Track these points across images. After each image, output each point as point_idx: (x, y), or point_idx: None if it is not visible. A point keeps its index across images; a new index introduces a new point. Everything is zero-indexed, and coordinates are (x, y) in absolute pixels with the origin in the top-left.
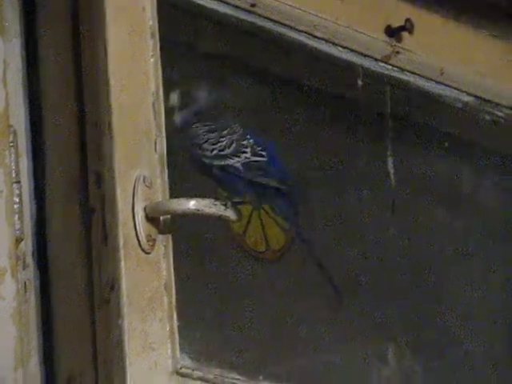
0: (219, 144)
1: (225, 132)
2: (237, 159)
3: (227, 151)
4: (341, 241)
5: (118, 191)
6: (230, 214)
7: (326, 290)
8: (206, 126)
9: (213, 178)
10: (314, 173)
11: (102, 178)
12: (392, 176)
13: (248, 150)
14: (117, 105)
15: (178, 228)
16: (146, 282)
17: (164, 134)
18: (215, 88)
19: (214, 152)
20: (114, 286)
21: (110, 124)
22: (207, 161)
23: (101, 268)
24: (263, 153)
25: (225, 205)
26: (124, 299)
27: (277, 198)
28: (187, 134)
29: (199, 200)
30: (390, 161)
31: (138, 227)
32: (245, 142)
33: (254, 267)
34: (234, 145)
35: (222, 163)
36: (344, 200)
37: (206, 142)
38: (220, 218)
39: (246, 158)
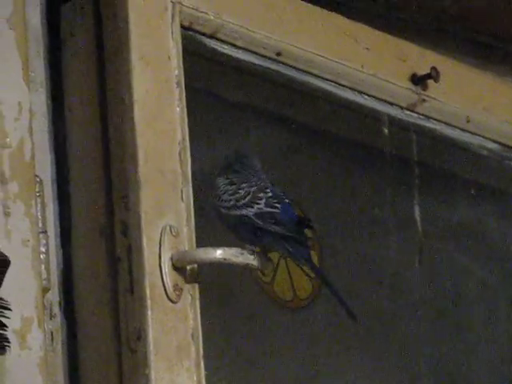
0: (236, 195)
1: (244, 185)
2: (250, 209)
3: (242, 202)
4: (366, 287)
5: (145, 240)
6: (256, 262)
7: (351, 335)
8: (228, 179)
9: (230, 228)
10: (340, 220)
11: (129, 227)
12: (419, 224)
13: (262, 201)
14: (143, 153)
15: (205, 277)
16: (172, 332)
17: (190, 183)
18: (240, 139)
19: (231, 203)
20: (140, 335)
21: (136, 172)
22: (225, 211)
23: (127, 317)
24: (277, 205)
25: (252, 253)
26: (151, 349)
27: (288, 245)
28: (210, 185)
29: (226, 249)
30: (416, 209)
31: (164, 276)
32: (261, 195)
33: (280, 315)
34: (249, 196)
35: (237, 213)
36: (371, 247)
37: (225, 193)
38: (247, 266)
39: (258, 208)
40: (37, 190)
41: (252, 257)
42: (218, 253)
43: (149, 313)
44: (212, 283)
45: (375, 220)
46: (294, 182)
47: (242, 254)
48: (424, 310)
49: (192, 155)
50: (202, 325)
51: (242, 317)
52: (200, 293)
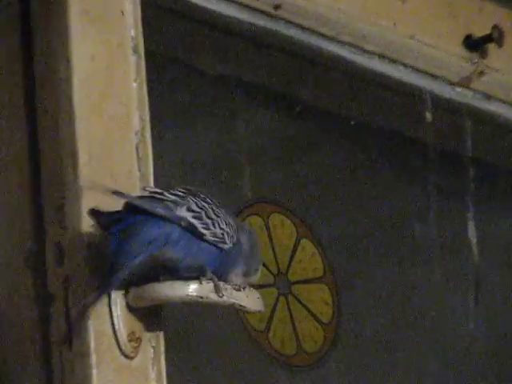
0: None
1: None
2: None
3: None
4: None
5: (88, 270)
6: (247, 302)
7: None
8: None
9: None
10: (363, 240)
11: (65, 252)
12: (474, 246)
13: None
14: (85, 149)
15: (173, 323)
16: None
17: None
18: (226, 126)
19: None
20: None
21: (75, 176)
22: None
23: (64, 381)
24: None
25: (238, 289)
26: None
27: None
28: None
29: (202, 283)
30: (470, 225)
31: (116, 322)
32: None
33: (279, 377)
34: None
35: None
36: (405, 280)
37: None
38: (232, 308)
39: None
40: None
41: (243, 294)
42: (192, 288)
43: (93, 373)
44: (183, 331)
45: (413, 242)
46: (296, 188)
47: (225, 289)
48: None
49: (157, 150)
50: None
51: (226, 378)
52: (166, 344)
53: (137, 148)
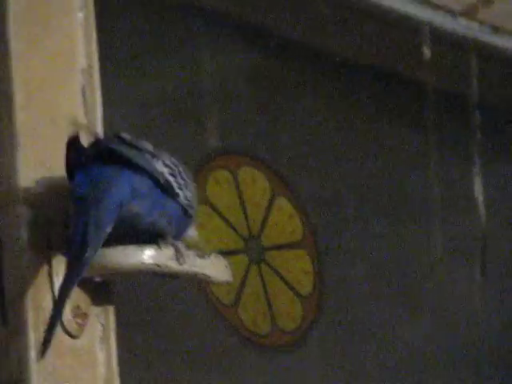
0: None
1: None
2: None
3: None
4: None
5: (24, 231)
6: (213, 271)
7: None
8: None
9: None
10: (356, 198)
11: None
12: (480, 204)
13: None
14: (22, 90)
15: (125, 295)
16: None
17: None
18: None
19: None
20: None
21: (10, 122)
22: None
23: None
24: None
25: (202, 256)
26: None
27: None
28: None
29: (160, 248)
30: (477, 180)
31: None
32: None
33: (251, 360)
34: None
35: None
36: (400, 242)
37: None
38: (196, 278)
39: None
40: None
41: (208, 262)
42: (148, 254)
43: (31, 355)
44: (137, 305)
45: (409, 199)
46: (270, 137)
47: (188, 256)
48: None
49: (106, 92)
50: (122, 372)
51: (188, 361)
52: (117, 321)
53: (83, 90)
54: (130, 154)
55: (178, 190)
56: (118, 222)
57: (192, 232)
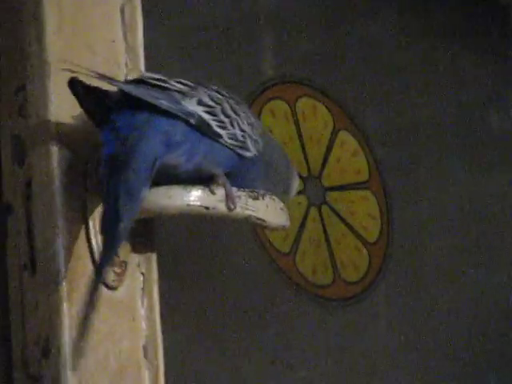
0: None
1: None
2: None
3: None
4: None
5: (57, 173)
6: (267, 214)
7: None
8: None
9: None
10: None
11: (27, 148)
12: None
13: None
14: (53, 11)
15: (170, 242)
16: (109, 343)
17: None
18: None
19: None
20: (48, 350)
21: (41, 47)
22: None
23: (24, 316)
24: None
25: (255, 197)
26: (68, 376)
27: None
28: None
29: (205, 189)
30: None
31: (93, 240)
32: None
33: (311, 313)
34: None
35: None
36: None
37: None
38: (248, 222)
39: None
40: None
41: (262, 204)
42: (195, 195)
43: (64, 308)
44: (183, 253)
45: (489, 139)
46: (332, 65)
47: (239, 197)
48: None
49: (149, 14)
50: (166, 328)
51: (240, 316)
52: (160, 271)
53: (122, 10)
54: (149, 95)
55: (218, 130)
56: (156, 176)
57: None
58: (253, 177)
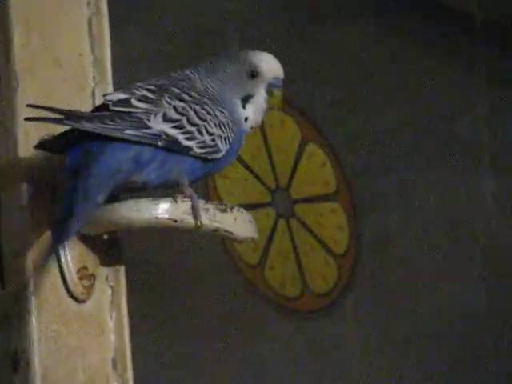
0: None
1: None
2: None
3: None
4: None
5: (25, 184)
6: (235, 227)
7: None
8: None
9: None
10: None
11: None
12: None
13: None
14: (21, 23)
15: (138, 255)
16: (78, 356)
17: (109, 79)
18: None
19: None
20: (17, 363)
21: (8, 59)
22: None
23: None
24: None
25: (223, 209)
26: None
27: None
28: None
29: (176, 201)
30: None
31: (61, 253)
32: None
33: (279, 325)
34: None
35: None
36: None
37: None
38: (217, 234)
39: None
40: None
41: (230, 217)
42: (162, 208)
43: (32, 321)
44: (151, 266)
45: (457, 144)
46: (300, 73)
47: (207, 210)
48: None
49: (116, 24)
50: (135, 340)
51: (209, 328)
52: (129, 284)
53: (89, 23)
54: (113, 129)
55: (187, 143)
56: (124, 189)
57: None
58: (219, 164)
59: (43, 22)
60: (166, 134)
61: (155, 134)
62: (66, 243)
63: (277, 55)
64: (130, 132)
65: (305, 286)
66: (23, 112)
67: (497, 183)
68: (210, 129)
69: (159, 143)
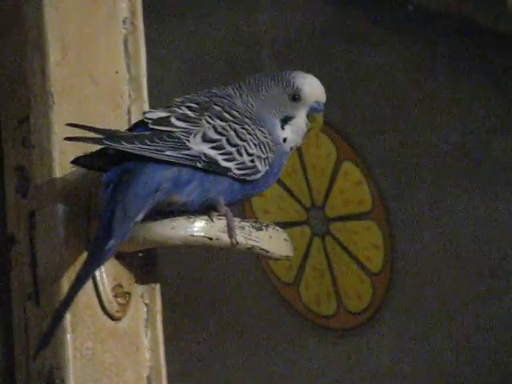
0: None
1: None
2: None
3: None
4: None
5: (60, 205)
6: (271, 245)
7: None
8: None
9: None
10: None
11: (31, 179)
12: None
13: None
14: (57, 42)
15: (173, 273)
16: (113, 373)
17: (145, 95)
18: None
19: None
20: (52, 381)
21: (44, 78)
22: None
23: (28, 348)
24: None
25: (259, 228)
26: None
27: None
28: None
29: (208, 220)
30: None
31: (97, 271)
32: None
33: (313, 343)
34: None
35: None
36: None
37: None
38: (252, 252)
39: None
40: None
41: (265, 235)
42: (198, 227)
43: (68, 338)
44: (187, 284)
45: (492, 165)
46: (336, 93)
47: (242, 228)
48: None
49: (152, 44)
50: (170, 358)
51: (243, 346)
52: (164, 302)
53: (125, 41)
54: (152, 150)
55: (226, 164)
56: (162, 208)
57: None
58: (256, 189)
59: (79, 39)
60: (205, 155)
61: (195, 156)
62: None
63: (312, 73)
64: (169, 153)
65: (340, 304)
66: (59, 130)
67: None
68: (249, 149)
69: (198, 164)
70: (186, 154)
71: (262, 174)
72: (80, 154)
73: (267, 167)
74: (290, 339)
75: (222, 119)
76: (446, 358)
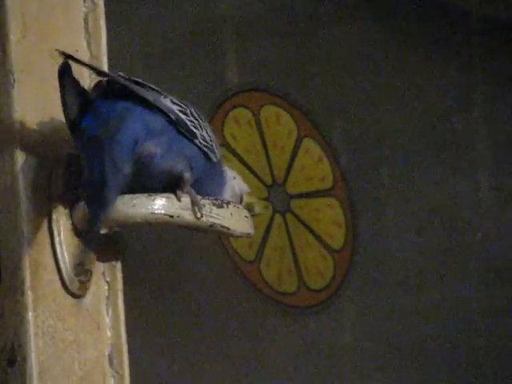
0: None
1: None
2: None
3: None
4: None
5: (21, 179)
6: (232, 222)
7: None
8: None
9: None
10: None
11: None
12: None
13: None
14: (17, 20)
15: (135, 251)
16: (74, 351)
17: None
18: None
19: None
20: (13, 358)
21: (5, 56)
22: None
23: None
24: None
25: (220, 205)
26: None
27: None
28: None
29: (170, 198)
30: None
31: (58, 249)
32: None
33: (274, 320)
34: None
35: None
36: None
37: None
38: (213, 230)
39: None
40: None
41: (226, 212)
42: (159, 204)
43: (29, 316)
44: (147, 261)
45: (454, 143)
46: (297, 71)
47: (204, 206)
48: None
49: (113, 22)
50: (131, 336)
51: (204, 323)
52: (125, 279)
53: (85, 19)
54: (138, 89)
55: (193, 129)
56: (135, 164)
57: (243, 186)
58: (215, 184)
59: (40, 17)
60: (175, 114)
61: (169, 108)
62: (62, 238)
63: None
64: (150, 96)
65: (301, 282)
66: (19, 108)
67: (494, 181)
68: (208, 131)
69: (172, 116)
70: (163, 104)
71: (216, 159)
72: (40, 133)
73: (219, 157)
74: (252, 317)
75: (182, 102)
76: (408, 335)
